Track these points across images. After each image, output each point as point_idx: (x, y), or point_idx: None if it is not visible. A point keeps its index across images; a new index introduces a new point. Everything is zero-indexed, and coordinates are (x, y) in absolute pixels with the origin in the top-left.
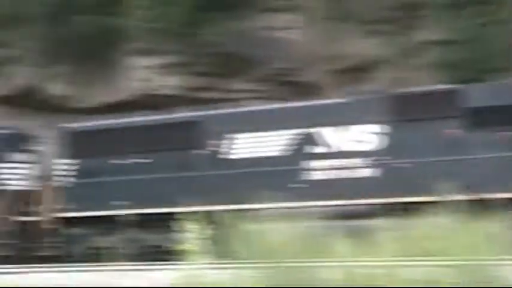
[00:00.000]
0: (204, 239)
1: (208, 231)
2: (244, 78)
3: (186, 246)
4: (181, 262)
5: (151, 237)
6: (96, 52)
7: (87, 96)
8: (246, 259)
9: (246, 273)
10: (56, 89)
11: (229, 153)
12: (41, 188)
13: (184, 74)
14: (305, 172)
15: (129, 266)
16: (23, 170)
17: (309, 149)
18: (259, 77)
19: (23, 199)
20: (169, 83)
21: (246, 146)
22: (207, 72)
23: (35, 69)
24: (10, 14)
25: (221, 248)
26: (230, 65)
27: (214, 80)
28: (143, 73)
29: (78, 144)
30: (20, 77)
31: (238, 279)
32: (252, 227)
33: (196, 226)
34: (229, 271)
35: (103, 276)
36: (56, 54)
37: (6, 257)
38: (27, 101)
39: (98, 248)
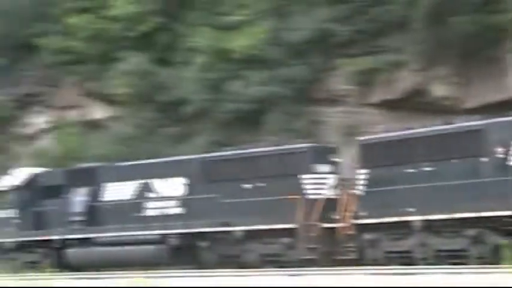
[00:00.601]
0: None
1: None
2: None
3: None
4: None
5: (442, 242)
6: (478, 51)
7: (470, 96)
8: None
9: None
10: (439, 90)
11: None
12: (341, 197)
13: None
14: None
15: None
16: (327, 180)
17: None
18: None
19: (326, 207)
20: None
21: None
22: None
23: (418, 72)
24: (397, 20)
25: None
26: None
27: None
28: None
29: (371, 155)
30: (403, 81)
31: None
32: None
33: None
34: None
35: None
36: (438, 55)
37: (311, 260)
38: (411, 104)
39: (390, 252)
